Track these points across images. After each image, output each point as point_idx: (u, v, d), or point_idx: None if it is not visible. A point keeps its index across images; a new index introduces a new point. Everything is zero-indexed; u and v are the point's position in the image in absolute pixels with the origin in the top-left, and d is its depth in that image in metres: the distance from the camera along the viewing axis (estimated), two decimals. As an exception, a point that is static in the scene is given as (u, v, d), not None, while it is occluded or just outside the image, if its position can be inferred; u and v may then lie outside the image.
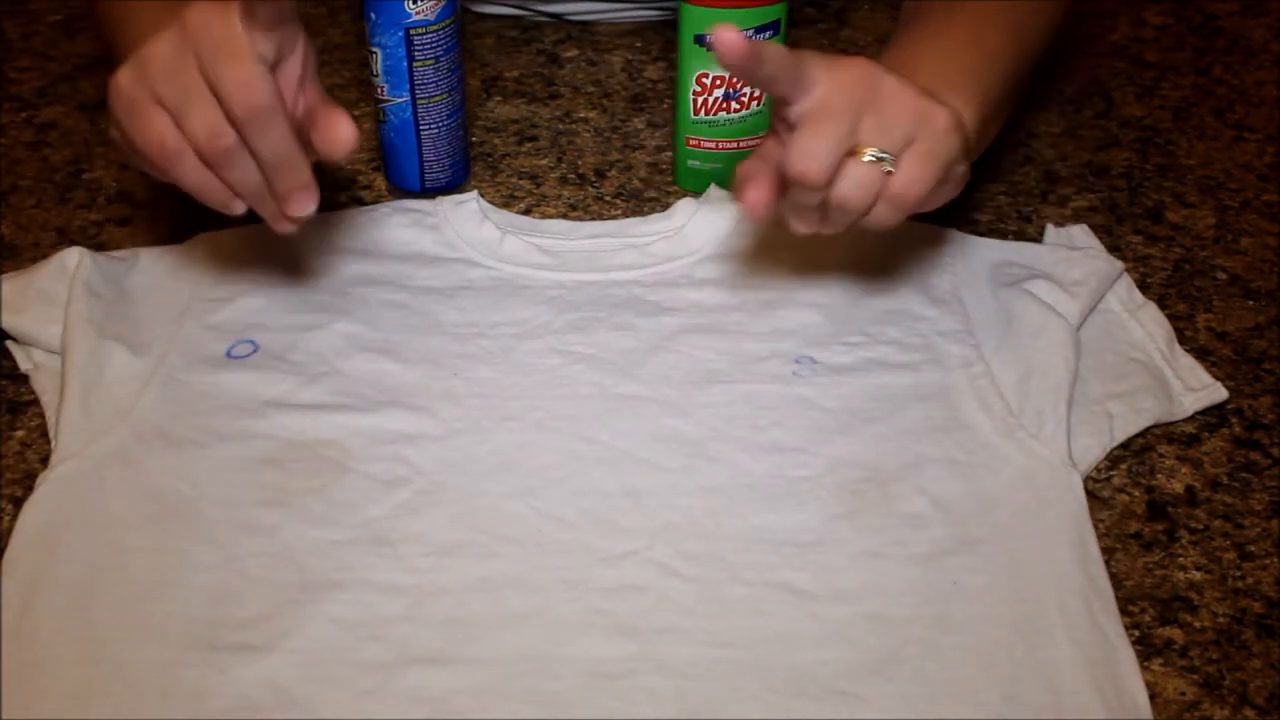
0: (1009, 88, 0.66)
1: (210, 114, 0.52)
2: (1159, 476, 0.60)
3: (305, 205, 0.56)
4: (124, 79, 0.53)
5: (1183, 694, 0.51)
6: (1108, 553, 0.56)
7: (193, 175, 0.54)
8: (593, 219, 0.76)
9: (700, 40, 0.71)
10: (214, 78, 0.51)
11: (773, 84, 0.53)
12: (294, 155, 0.54)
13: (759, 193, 0.54)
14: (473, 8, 0.95)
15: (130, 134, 0.54)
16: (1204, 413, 0.63)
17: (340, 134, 0.53)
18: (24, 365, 0.64)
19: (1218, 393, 0.63)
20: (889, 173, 0.54)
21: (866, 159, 0.53)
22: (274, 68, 0.53)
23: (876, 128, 0.53)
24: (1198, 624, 0.53)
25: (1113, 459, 0.61)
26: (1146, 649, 0.52)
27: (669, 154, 0.82)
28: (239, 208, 0.56)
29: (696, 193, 0.75)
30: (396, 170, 0.76)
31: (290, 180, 0.54)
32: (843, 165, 0.53)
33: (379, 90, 0.72)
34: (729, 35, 0.50)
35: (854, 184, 0.54)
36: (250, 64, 0.51)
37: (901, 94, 0.54)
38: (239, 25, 0.51)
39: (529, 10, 0.94)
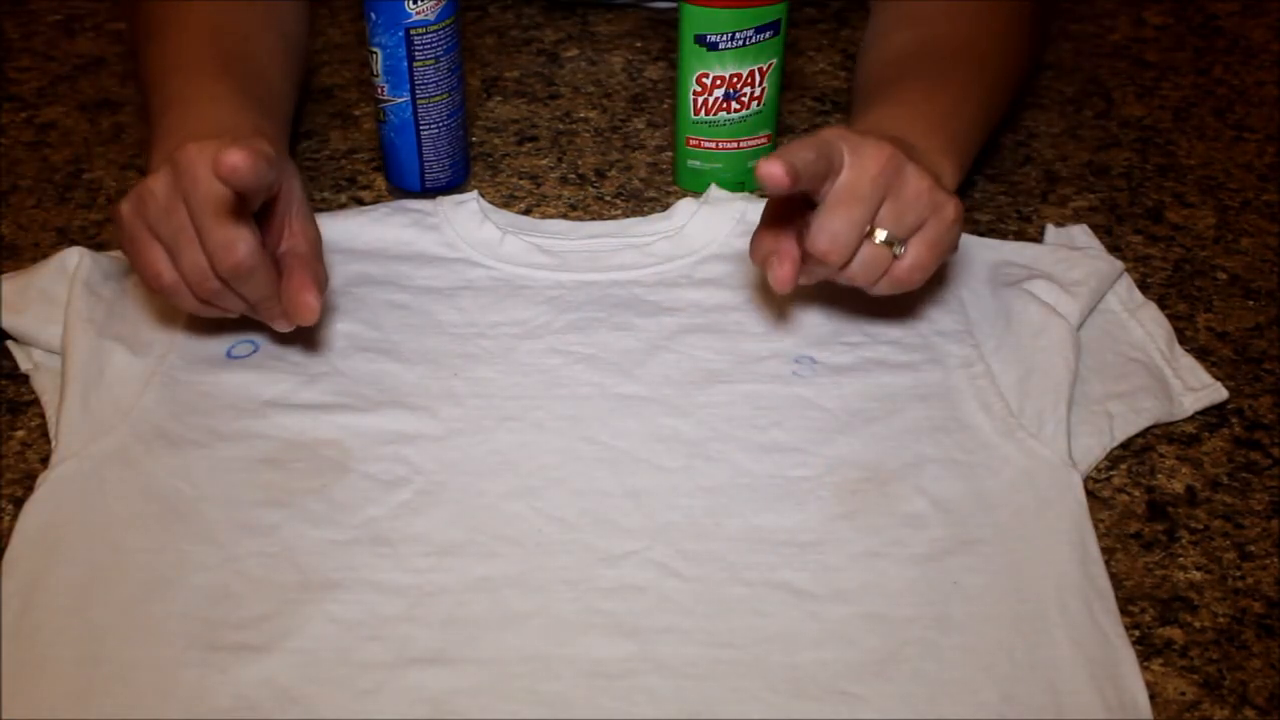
0: (982, 141, 0.72)
1: (199, 259, 0.56)
2: (1159, 476, 0.60)
3: (295, 325, 0.60)
4: (124, 211, 0.57)
5: (1183, 694, 0.51)
6: (1108, 553, 0.56)
7: (189, 303, 0.59)
8: (593, 219, 0.76)
9: (700, 40, 0.71)
10: (200, 230, 0.55)
11: (810, 185, 0.56)
12: (275, 296, 0.58)
13: (787, 271, 0.57)
14: None
15: (131, 262, 0.59)
16: (1204, 413, 0.63)
17: (303, 308, 0.58)
18: (24, 365, 0.64)
19: (1218, 393, 0.63)
20: (896, 256, 0.57)
21: (878, 241, 0.57)
22: (261, 207, 0.58)
23: (893, 213, 0.57)
24: (1198, 624, 0.53)
25: (1113, 459, 0.61)
26: (1146, 649, 0.52)
27: (669, 154, 0.82)
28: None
29: (696, 193, 0.76)
30: (396, 170, 0.76)
31: (276, 312, 0.59)
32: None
33: (379, 90, 0.72)
34: (773, 171, 0.53)
35: (864, 264, 0.58)
36: (230, 227, 0.55)
37: (919, 182, 0.57)
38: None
39: None
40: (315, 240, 0.61)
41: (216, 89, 0.65)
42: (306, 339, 0.64)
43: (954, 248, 0.60)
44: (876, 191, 0.56)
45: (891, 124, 0.63)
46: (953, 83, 0.70)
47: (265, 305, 0.59)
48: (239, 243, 0.55)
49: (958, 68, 0.71)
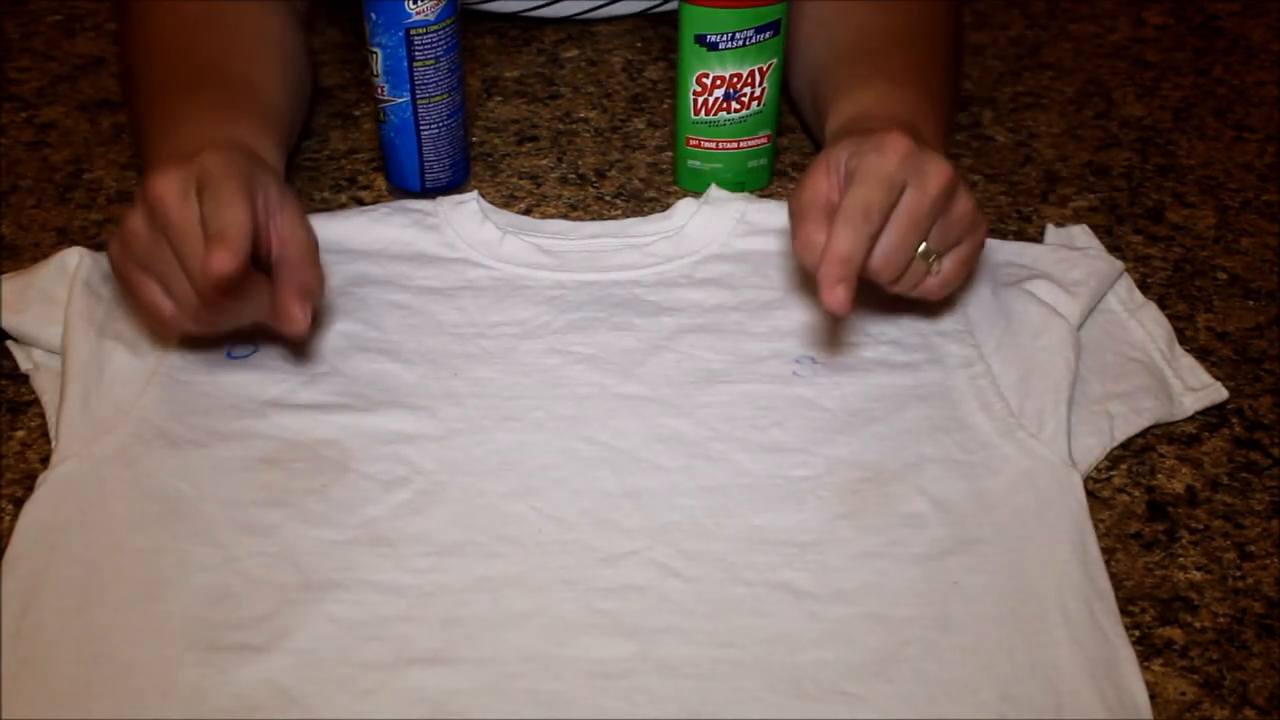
0: (949, 115, 0.74)
1: (187, 289, 0.57)
2: (1159, 476, 0.60)
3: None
4: (114, 253, 0.58)
5: (1183, 694, 0.51)
6: (1108, 553, 0.56)
7: (193, 328, 0.59)
8: (593, 219, 0.76)
9: (701, 40, 0.71)
10: (182, 261, 0.56)
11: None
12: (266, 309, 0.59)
13: (846, 298, 0.55)
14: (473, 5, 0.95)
15: (130, 302, 0.61)
16: (1204, 413, 0.63)
17: (287, 320, 0.58)
18: (24, 365, 0.64)
19: (1218, 393, 0.63)
20: (932, 272, 0.59)
21: (918, 255, 0.58)
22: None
23: (939, 233, 0.59)
24: (1198, 624, 0.53)
25: (1113, 459, 0.61)
26: (1146, 649, 0.52)
27: (669, 154, 0.82)
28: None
29: (696, 193, 0.76)
30: (396, 170, 0.76)
31: (268, 317, 0.59)
32: None
33: (379, 90, 0.72)
34: (837, 299, 0.54)
35: (905, 281, 0.59)
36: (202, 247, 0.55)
37: (965, 203, 0.59)
38: (193, 207, 0.55)
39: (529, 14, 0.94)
40: (305, 243, 0.60)
41: (189, 107, 0.66)
42: (306, 340, 0.63)
43: (978, 265, 0.62)
44: (933, 216, 0.57)
45: (880, 108, 0.64)
46: (930, 65, 0.72)
47: (262, 316, 0.59)
48: (216, 268, 0.55)
49: (912, 49, 0.72)
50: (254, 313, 0.59)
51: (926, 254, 0.58)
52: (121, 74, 0.76)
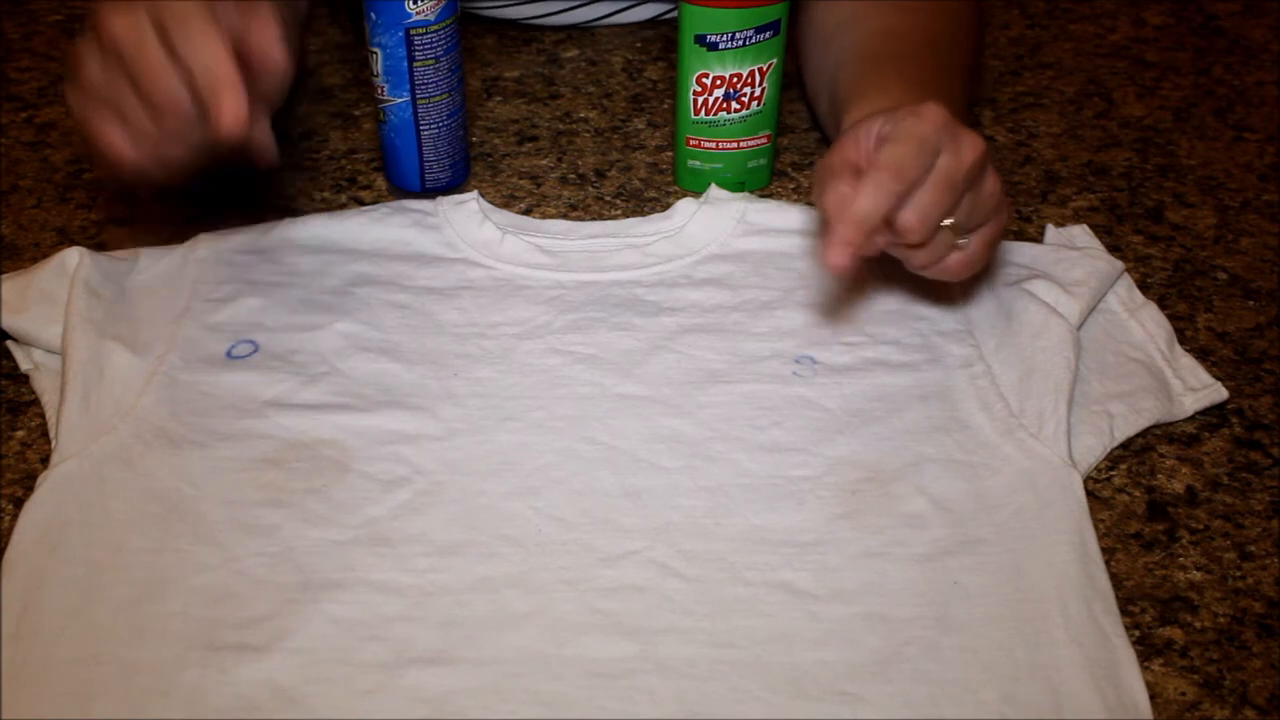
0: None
1: (150, 125, 0.54)
2: (1159, 476, 0.60)
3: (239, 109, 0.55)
4: (69, 92, 0.56)
5: (1183, 694, 0.51)
6: (1108, 553, 0.56)
7: (151, 168, 0.56)
8: (593, 219, 0.76)
9: (700, 40, 0.71)
10: (143, 96, 0.53)
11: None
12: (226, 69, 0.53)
13: (847, 262, 0.55)
14: (473, 9, 0.95)
15: (91, 146, 0.57)
16: (1204, 413, 0.63)
17: (264, 156, 0.55)
18: (24, 365, 0.64)
19: (1218, 393, 0.63)
20: (958, 247, 0.58)
21: (946, 227, 0.57)
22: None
23: (969, 206, 0.58)
24: (1198, 624, 0.53)
25: (1113, 459, 0.61)
26: (1146, 649, 0.52)
27: (669, 154, 0.82)
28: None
29: (696, 193, 0.76)
30: (396, 170, 0.76)
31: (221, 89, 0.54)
32: None
33: (379, 90, 0.72)
34: (838, 259, 0.55)
35: (930, 250, 0.58)
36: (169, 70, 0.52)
37: (994, 182, 0.59)
38: (150, 40, 0.52)
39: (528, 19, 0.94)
40: (279, 66, 0.56)
41: None
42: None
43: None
44: (967, 181, 0.56)
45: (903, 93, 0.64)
46: (952, 71, 0.72)
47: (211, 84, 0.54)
48: (175, 91, 0.52)
49: (935, 55, 0.72)
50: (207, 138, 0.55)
51: (956, 226, 0.57)
52: None
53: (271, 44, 0.55)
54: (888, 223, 0.56)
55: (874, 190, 0.55)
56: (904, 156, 0.55)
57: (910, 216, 0.56)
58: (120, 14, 0.52)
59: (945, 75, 0.71)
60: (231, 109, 0.51)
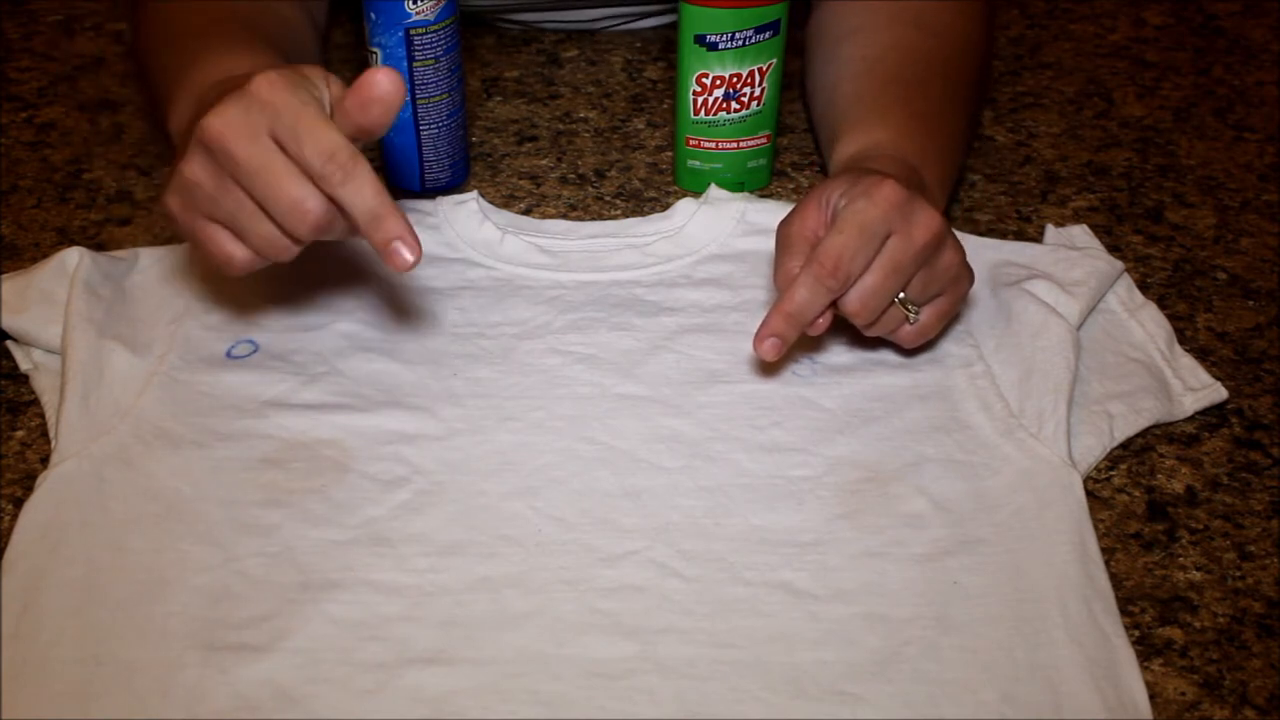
0: (962, 160, 0.75)
1: (268, 230, 0.53)
2: (1159, 476, 0.60)
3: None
4: (173, 206, 0.54)
5: (1183, 694, 0.51)
6: (1108, 553, 0.56)
7: (275, 261, 0.55)
8: (593, 219, 0.76)
9: (700, 40, 0.71)
10: (262, 199, 0.52)
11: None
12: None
13: (774, 352, 0.58)
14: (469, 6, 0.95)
15: (199, 253, 0.56)
16: (1204, 413, 0.63)
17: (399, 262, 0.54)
18: (24, 365, 0.64)
19: (1218, 393, 0.63)
20: (910, 321, 0.59)
21: (896, 303, 0.58)
22: None
23: (921, 284, 0.58)
24: (1198, 624, 0.53)
25: (1113, 459, 0.61)
26: (1146, 649, 0.52)
27: (669, 154, 0.82)
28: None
29: (696, 193, 0.76)
30: (396, 170, 0.75)
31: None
32: None
33: (379, 90, 0.72)
34: (764, 349, 0.57)
35: (880, 324, 0.59)
36: (297, 184, 0.51)
37: (953, 256, 0.58)
38: (265, 141, 0.51)
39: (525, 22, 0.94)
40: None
41: (208, 45, 0.62)
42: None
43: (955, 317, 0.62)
44: (917, 264, 0.57)
45: (894, 148, 0.64)
46: (954, 102, 0.71)
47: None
48: (308, 200, 0.51)
49: (945, 84, 0.72)
50: (342, 232, 0.54)
51: (905, 302, 0.58)
52: (131, 50, 0.72)
53: (389, 87, 0.52)
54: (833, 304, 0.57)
55: (810, 286, 0.56)
56: (844, 248, 0.56)
57: (854, 301, 0.57)
58: (225, 115, 0.51)
59: (950, 107, 0.71)
60: (409, 252, 0.52)
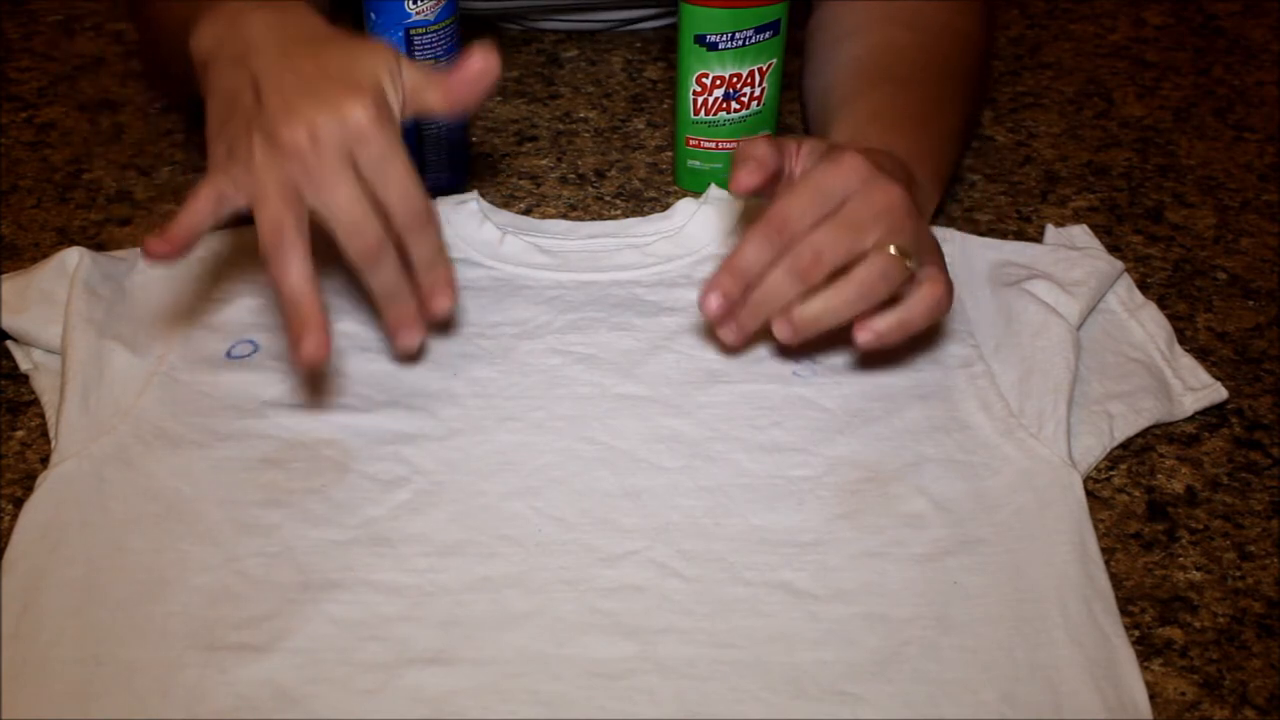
0: (957, 158, 0.75)
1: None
2: (1159, 476, 0.60)
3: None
4: (271, 210, 0.53)
5: (1183, 694, 0.51)
6: (1108, 553, 0.56)
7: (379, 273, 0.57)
8: (593, 219, 0.76)
9: (700, 40, 0.71)
10: (383, 178, 0.54)
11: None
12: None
13: (717, 310, 0.58)
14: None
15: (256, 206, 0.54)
16: (1204, 413, 0.63)
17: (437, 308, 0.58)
18: (24, 365, 0.64)
19: (1218, 393, 0.63)
20: (911, 269, 0.56)
21: (894, 250, 0.56)
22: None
23: (911, 238, 0.56)
24: (1198, 624, 0.53)
25: (1113, 459, 0.61)
26: (1146, 649, 0.52)
27: (669, 154, 0.82)
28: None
29: (696, 193, 0.76)
30: (396, 170, 0.75)
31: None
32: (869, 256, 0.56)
33: (379, 90, 0.72)
34: (708, 306, 0.58)
35: (885, 279, 0.56)
36: (411, 172, 0.54)
37: (923, 228, 0.58)
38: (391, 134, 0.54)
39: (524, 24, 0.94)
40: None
41: None
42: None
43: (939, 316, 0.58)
44: (875, 221, 0.55)
45: (884, 145, 0.63)
46: (949, 103, 0.71)
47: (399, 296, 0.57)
48: (417, 190, 0.55)
49: (939, 82, 0.72)
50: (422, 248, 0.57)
51: (902, 249, 0.55)
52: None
53: (482, 69, 0.56)
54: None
55: (755, 241, 0.56)
56: (793, 206, 0.56)
57: (806, 256, 0.55)
58: (341, 184, 0.53)
59: (945, 105, 0.71)
60: (446, 301, 0.57)
